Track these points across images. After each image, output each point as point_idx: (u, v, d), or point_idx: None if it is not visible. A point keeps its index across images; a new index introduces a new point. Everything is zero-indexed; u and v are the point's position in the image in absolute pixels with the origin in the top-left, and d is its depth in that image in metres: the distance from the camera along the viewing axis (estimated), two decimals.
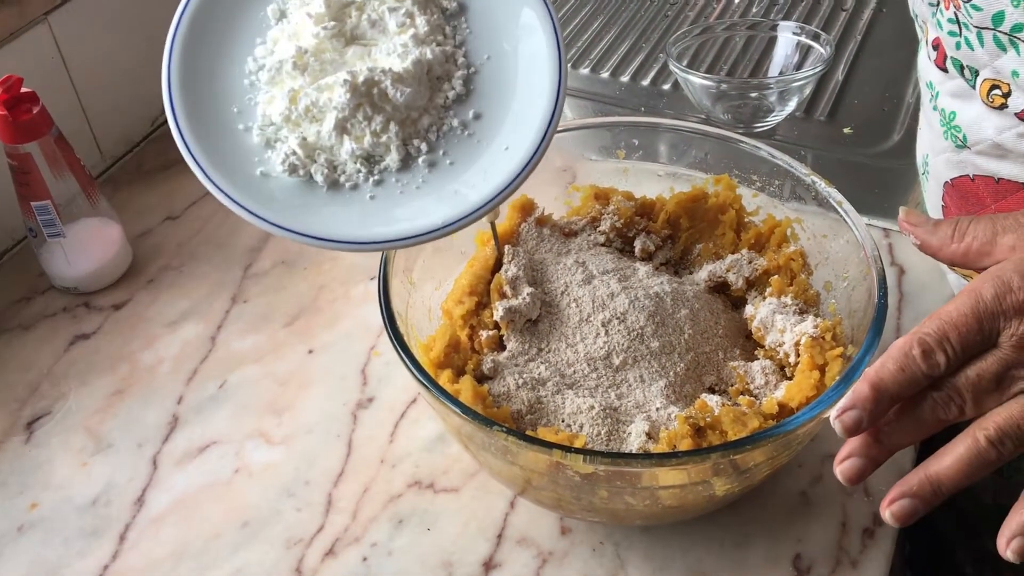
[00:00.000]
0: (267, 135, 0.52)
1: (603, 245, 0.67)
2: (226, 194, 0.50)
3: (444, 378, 0.56)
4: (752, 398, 0.57)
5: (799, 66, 0.94)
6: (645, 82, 1.00)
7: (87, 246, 0.78)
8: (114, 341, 0.75)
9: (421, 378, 0.53)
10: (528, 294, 0.60)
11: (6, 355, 0.74)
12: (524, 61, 0.53)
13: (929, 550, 0.79)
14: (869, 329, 0.54)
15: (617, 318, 0.59)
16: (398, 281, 0.59)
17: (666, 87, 0.99)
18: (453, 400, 0.52)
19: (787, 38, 0.96)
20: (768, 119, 0.90)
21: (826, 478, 0.62)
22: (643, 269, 0.64)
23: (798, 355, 0.58)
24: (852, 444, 0.45)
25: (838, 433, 0.44)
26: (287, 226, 0.50)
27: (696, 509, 0.57)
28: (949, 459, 0.43)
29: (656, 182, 0.71)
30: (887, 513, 0.44)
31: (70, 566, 0.60)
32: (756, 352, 0.62)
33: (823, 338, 0.57)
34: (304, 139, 0.52)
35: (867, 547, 0.59)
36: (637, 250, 0.67)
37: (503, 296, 0.61)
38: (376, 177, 0.52)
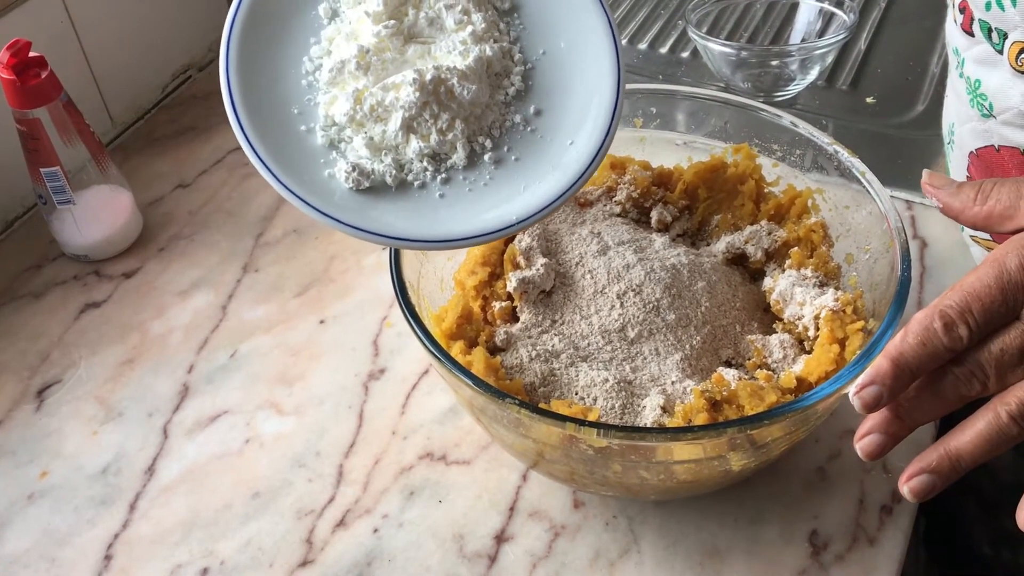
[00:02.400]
0: (331, 136, 0.51)
1: (619, 216, 0.66)
2: (298, 196, 0.49)
3: (456, 350, 0.55)
4: (770, 372, 0.56)
5: (821, 33, 0.92)
6: (663, 49, 0.99)
7: (97, 214, 0.77)
8: (125, 310, 0.75)
9: (433, 349, 0.52)
10: (542, 265, 0.59)
11: (16, 323, 0.74)
12: (580, 55, 0.53)
13: (946, 529, 0.79)
14: (891, 303, 0.53)
15: (633, 290, 0.58)
16: (410, 251, 0.58)
17: (685, 55, 0.98)
18: (465, 372, 0.51)
19: (809, 5, 0.94)
20: (789, 88, 0.88)
21: (844, 454, 0.61)
22: (659, 240, 0.62)
23: (817, 329, 0.57)
24: (872, 420, 0.45)
25: (857, 409, 0.44)
26: (362, 226, 0.49)
27: (711, 484, 0.56)
28: (969, 434, 0.43)
29: (674, 151, 0.70)
30: (905, 489, 0.44)
31: (80, 535, 0.60)
32: (774, 325, 0.60)
33: (843, 311, 0.56)
34: (370, 139, 0.51)
35: (885, 524, 0.58)
36: (654, 221, 0.66)
37: (516, 267, 0.60)
38: (443, 175, 0.51)
